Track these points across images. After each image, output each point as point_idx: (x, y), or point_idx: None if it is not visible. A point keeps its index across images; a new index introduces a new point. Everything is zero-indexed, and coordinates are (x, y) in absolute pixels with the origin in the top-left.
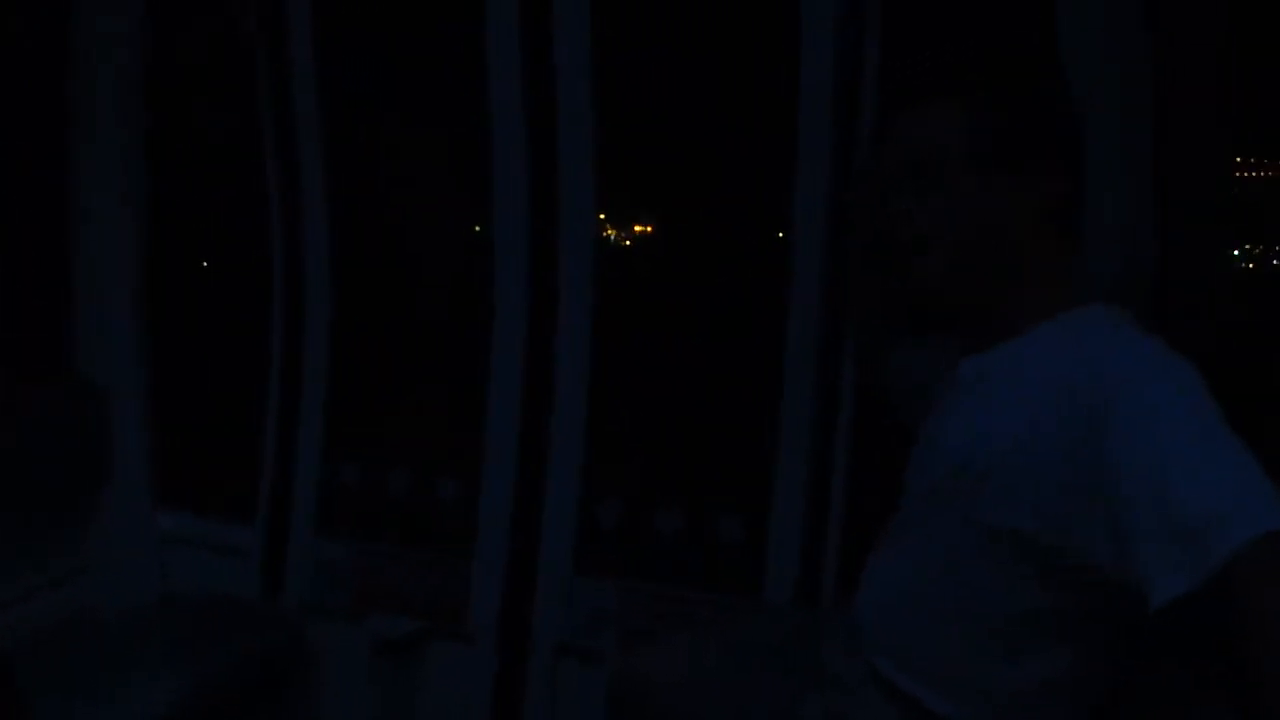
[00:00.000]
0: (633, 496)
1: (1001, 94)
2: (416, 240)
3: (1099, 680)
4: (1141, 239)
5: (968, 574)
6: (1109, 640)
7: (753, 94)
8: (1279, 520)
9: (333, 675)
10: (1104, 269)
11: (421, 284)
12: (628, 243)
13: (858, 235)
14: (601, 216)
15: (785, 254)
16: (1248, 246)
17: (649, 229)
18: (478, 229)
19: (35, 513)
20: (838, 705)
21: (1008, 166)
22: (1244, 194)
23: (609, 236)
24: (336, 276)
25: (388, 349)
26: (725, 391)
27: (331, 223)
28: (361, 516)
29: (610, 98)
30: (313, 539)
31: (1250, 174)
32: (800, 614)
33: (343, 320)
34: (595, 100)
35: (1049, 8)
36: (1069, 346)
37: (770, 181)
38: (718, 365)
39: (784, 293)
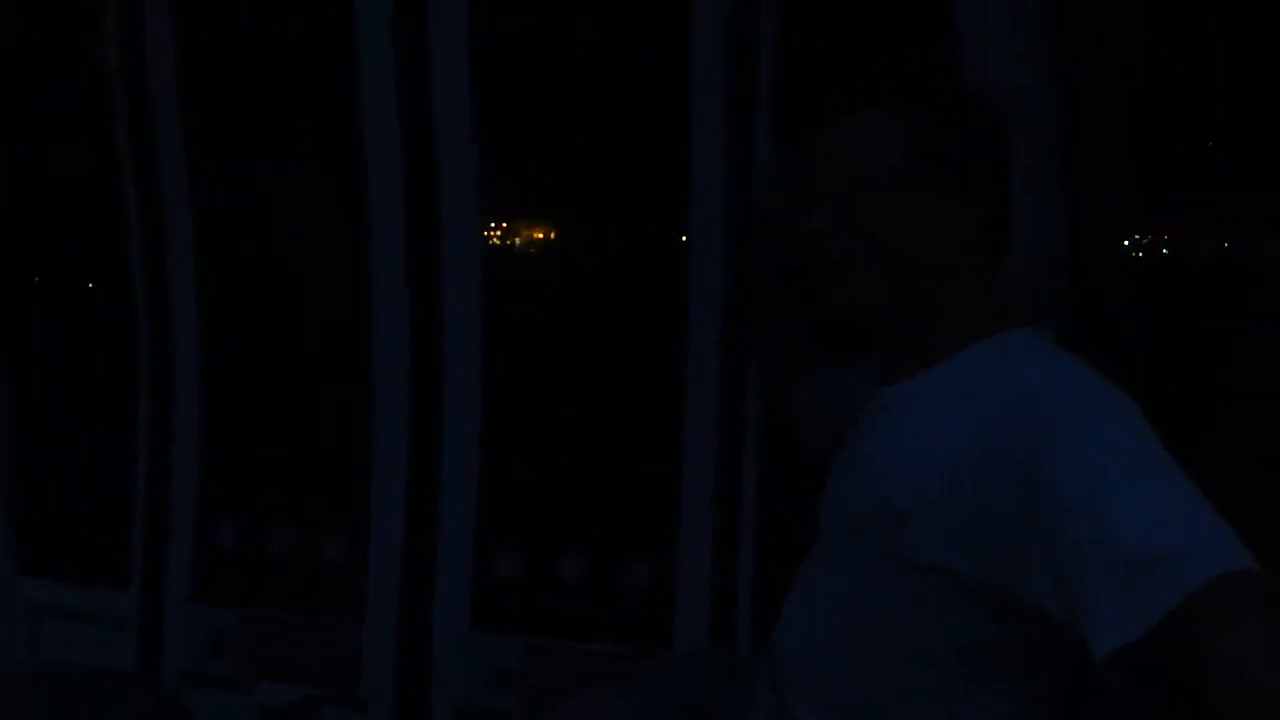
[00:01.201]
0: (532, 545)
1: (937, 107)
2: (290, 273)
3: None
4: (1052, 235)
5: (894, 609)
6: (1056, 675)
7: (647, 93)
8: (1229, 559)
9: None
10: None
11: (298, 323)
12: (532, 251)
13: (767, 252)
14: (505, 225)
15: (685, 272)
16: (1137, 236)
17: (551, 234)
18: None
19: None
20: None
21: (944, 182)
22: None
23: (512, 244)
24: (204, 318)
25: (263, 398)
26: (625, 428)
27: (198, 261)
28: (243, 580)
29: (498, 98)
30: (191, 605)
31: None
32: (715, 662)
33: (213, 368)
34: (477, 100)
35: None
36: (999, 374)
37: (667, 192)
38: (616, 401)
39: (684, 319)
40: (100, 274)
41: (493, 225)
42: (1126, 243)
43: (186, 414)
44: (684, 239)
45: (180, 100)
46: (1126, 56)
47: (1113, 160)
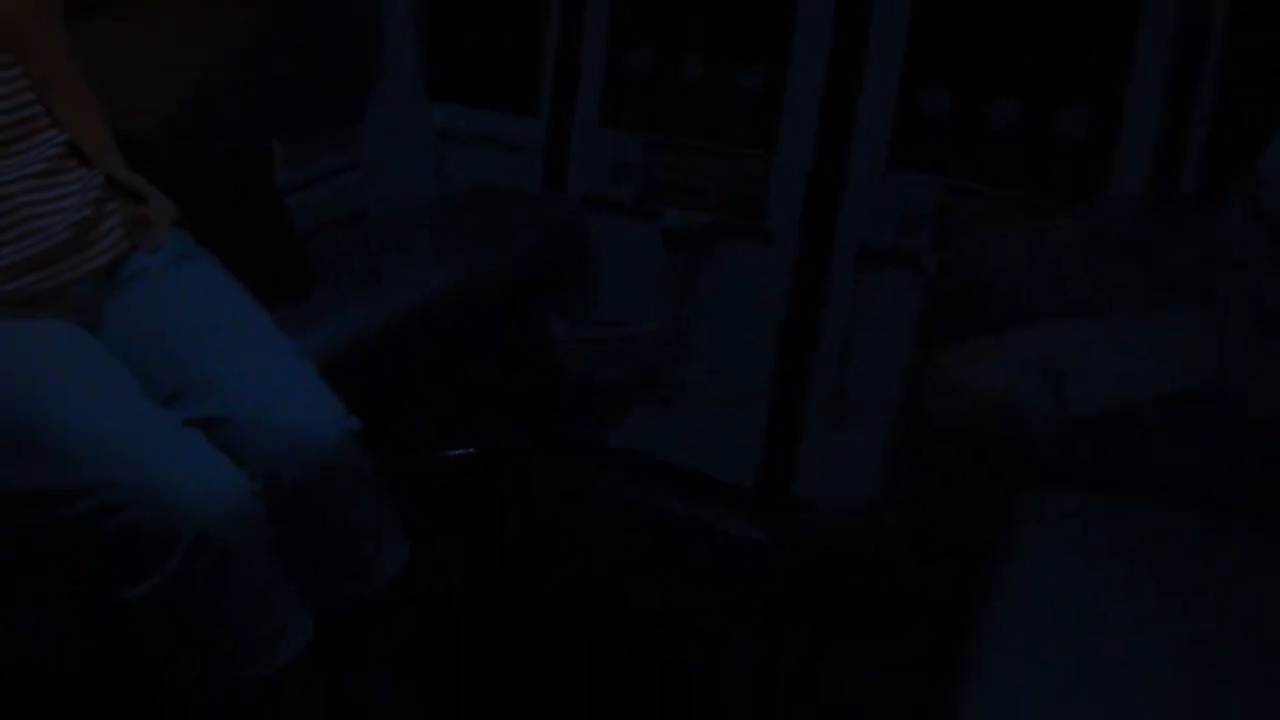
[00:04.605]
0: (962, 85)
1: None
2: None
3: None
4: None
5: None
6: None
7: None
8: None
9: (619, 268)
10: None
11: None
12: None
13: None
14: None
15: None
16: None
17: None
18: None
19: (309, 107)
20: (1248, 283)
21: None
22: None
23: None
24: None
25: None
26: None
27: None
28: (652, 107)
29: None
30: (598, 131)
31: None
32: (1159, 203)
33: None
34: None
35: None
36: None
37: None
38: None
39: None
40: None
41: None
42: None
43: None
44: None
45: None
46: None
47: None
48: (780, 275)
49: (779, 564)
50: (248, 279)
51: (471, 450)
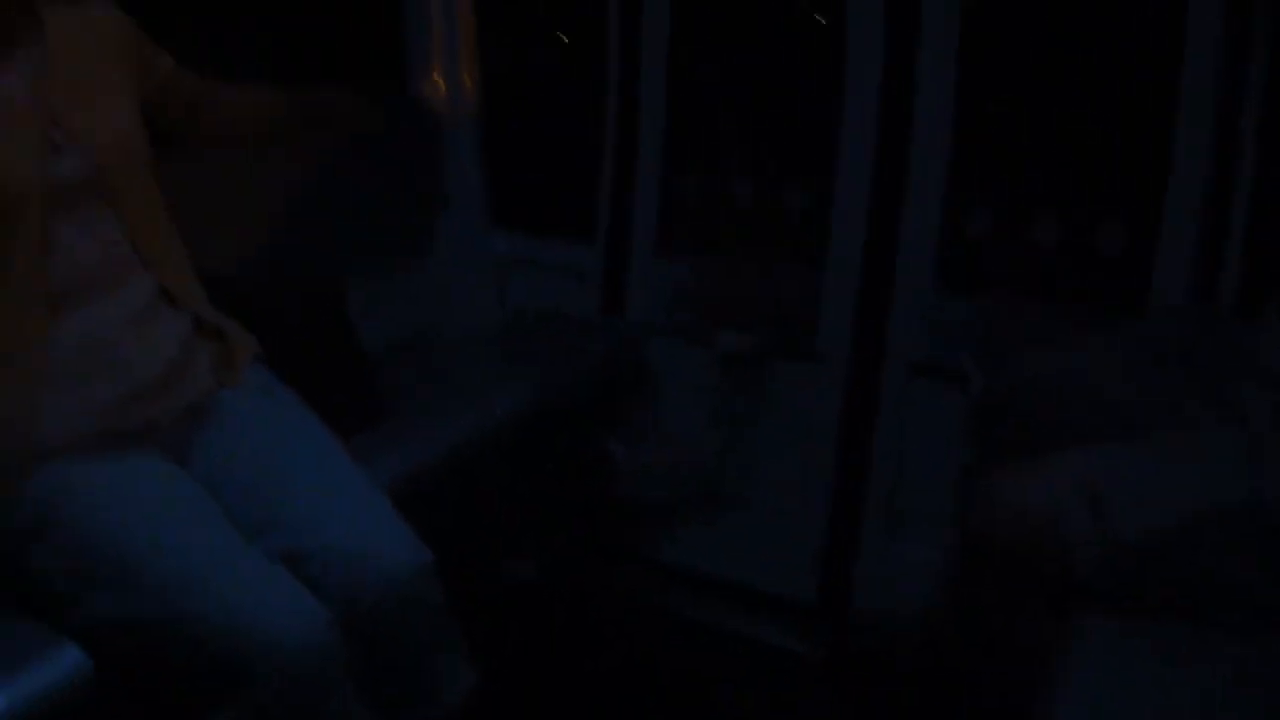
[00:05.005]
0: (1003, 204)
1: None
2: None
3: None
4: None
5: None
6: None
7: None
8: None
9: (675, 390)
10: None
11: None
12: None
13: None
14: None
15: None
16: None
17: None
18: None
19: (374, 233)
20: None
21: None
22: None
23: None
24: None
25: (726, 46)
26: (1109, 83)
27: None
28: (705, 231)
29: None
30: (654, 258)
31: None
32: (1199, 316)
33: (681, 27)
34: None
35: None
36: None
37: None
38: (1101, 51)
39: None
40: None
41: None
42: None
43: (654, 73)
44: None
45: None
46: None
47: None
48: (832, 393)
49: (839, 677)
50: (323, 410)
51: (533, 571)
